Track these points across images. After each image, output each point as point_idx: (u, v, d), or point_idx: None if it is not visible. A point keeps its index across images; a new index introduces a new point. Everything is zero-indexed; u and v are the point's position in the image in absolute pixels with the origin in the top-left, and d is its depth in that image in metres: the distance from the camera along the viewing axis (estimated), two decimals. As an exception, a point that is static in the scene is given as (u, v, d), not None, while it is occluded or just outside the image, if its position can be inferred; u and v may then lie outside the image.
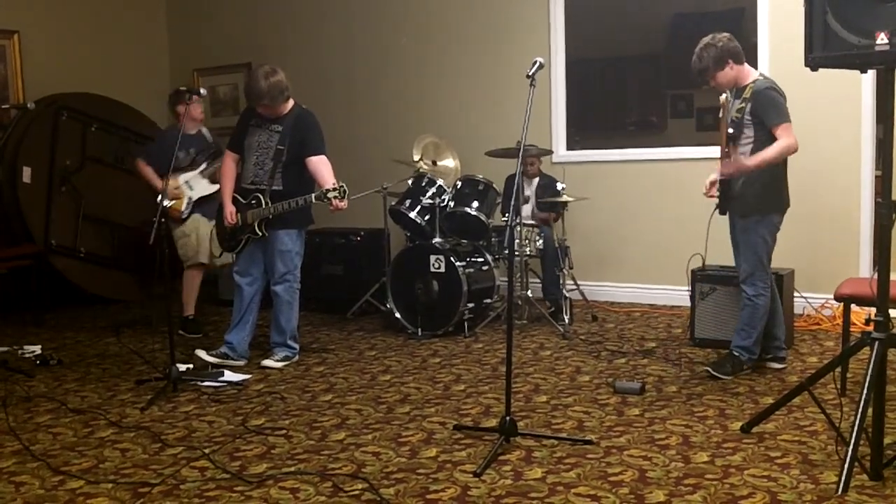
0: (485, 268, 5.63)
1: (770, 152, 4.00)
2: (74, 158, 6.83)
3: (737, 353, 4.22)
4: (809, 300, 5.46)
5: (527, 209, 6.04)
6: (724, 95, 4.19)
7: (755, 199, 4.12)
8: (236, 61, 7.93)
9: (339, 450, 3.35)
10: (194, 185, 5.64)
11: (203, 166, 5.66)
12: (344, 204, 4.43)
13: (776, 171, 4.11)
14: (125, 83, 7.64)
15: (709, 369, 4.22)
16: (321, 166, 4.62)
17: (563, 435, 3.44)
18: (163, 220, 4.24)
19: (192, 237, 5.61)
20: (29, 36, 7.14)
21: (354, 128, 7.35)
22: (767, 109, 4.03)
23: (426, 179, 5.66)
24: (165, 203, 5.03)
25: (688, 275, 4.98)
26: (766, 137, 4.06)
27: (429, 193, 5.60)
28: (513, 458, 3.19)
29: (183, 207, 5.59)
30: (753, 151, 4.07)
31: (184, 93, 5.48)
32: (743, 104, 4.12)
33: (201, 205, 5.62)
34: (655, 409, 3.76)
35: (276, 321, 4.81)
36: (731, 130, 4.18)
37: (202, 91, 4.79)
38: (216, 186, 5.42)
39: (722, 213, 4.28)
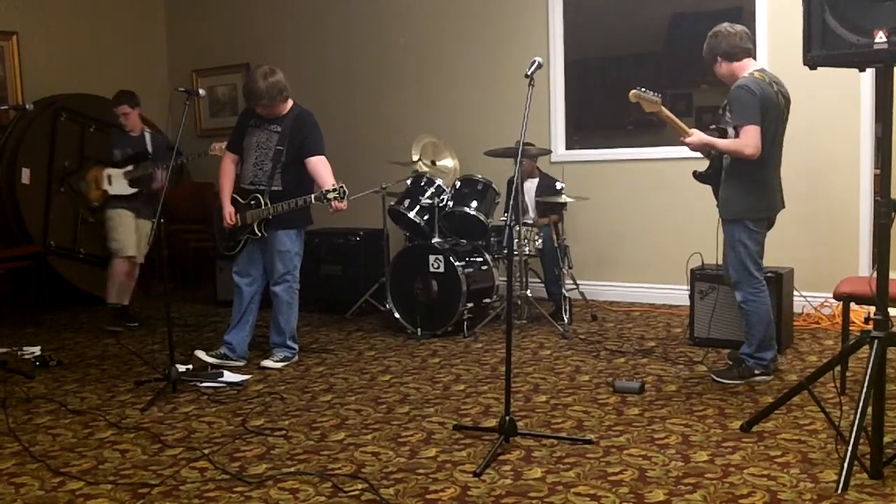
0: (484, 267, 5.63)
1: (723, 142, 3.98)
2: (73, 159, 6.83)
3: (744, 359, 4.17)
4: (809, 299, 5.46)
5: (529, 209, 6.02)
6: (633, 91, 4.17)
7: (729, 204, 4.07)
8: (235, 62, 7.94)
9: (338, 450, 3.35)
10: (114, 181, 5.82)
11: (129, 168, 5.82)
12: (343, 205, 4.43)
13: (752, 178, 4.01)
14: (124, 84, 7.59)
15: (713, 376, 4.19)
16: (320, 167, 4.62)
17: (563, 434, 3.44)
18: (162, 220, 4.23)
19: (117, 230, 5.81)
20: (27, 37, 7.14)
21: (353, 128, 7.36)
22: (734, 108, 3.96)
23: (425, 179, 5.66)
24: (82, 186, 5.83)
25: (687, 274, 4.98)
26: None
27: (428, 193, 5.59)
28: (512, 457, 3.19)
29: (96, 199, 5.85)
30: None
31: (114, 99, 5.93)
32: (726, 102, 4.10)
33: (123, 201, 5.82)
34: (655, 409, 3.76)
35: (276, 322, 4.80)
36: (712, 127, 4.18)
37: (201, 91, 4.79)
38: (132, 190, 5.79)
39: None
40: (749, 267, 4.07)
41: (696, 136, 4.08)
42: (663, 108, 4.16)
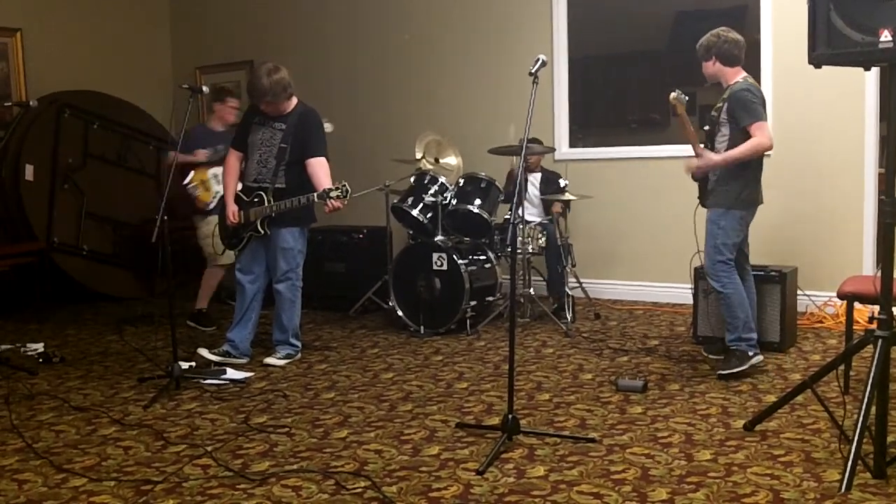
0: (487, 265, 5.63)
1: (739, 150, 4.12)
2: (77, 156, 6.84)
3: (734, 348, 4.25)
4: (812, 298, 5.45)
5: (530, 208, 6.02)
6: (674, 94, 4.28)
7: (722, 195, 4.22)
8: (238, 59, 7.94)
9: (341, 448, 3.35)
10: (222, 180, 5.66)
11: None
12: (339, 204, 4.42)
13: (749, 171, 4.19)
14: (127, 81, 7.65)
15: (719, 372, 4.20)
16: (318, 169, 4.61)
17: (566, 433, 3.44)
18: (165, 217, 4.23)
19: (214, 238, 5.63)
20: (31, 34, 7.15)
21: (357, 126, 7.35)
22: (739, 110, 4.13)
23: (428, 177, 5.65)
24: (194, 193, 5.57)
25: (690, 272, 4.98)
26: (740, 137, 4.15)
27: (431, 191, 5.59)
28: (515, 456, 3.19)
29: (210, 199, 5.70)
30: (727, 149, 4.17)
31: (223, 93, 5.80)
32: (721, 104, 4.25)
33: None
34: (658, 407, 3.76)
35: (279, 319, 4.80)
36: (706, 128, 4.35)
37: (204, 88, 4.78)
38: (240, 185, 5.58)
39: (703, 205, 4.40)
40: (726, 253, 4.24)
41: (706, 159, 4.20)
42: (685, 113, 4.27)
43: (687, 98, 4.33)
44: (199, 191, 5.71)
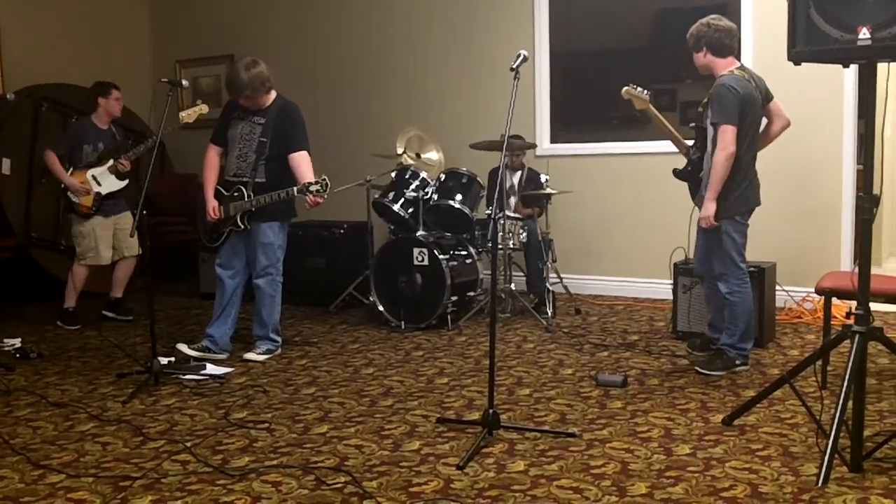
0: (468, 261, 5.63)
1: (715, 172, 4.01)
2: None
3: (725, 350, 4.22)
4: (791, 293, 5.50)
5: (511, 202, 6.03)
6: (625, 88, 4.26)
7: (721, 204, 4.09)
8: (219, 53, 7.90)
9: (321, 443, 3.34)
10: (102, 180, 5.63)
11: (110, 162, 5.63)
12: (319, 198, 4.40)
13: (739, 174, 4.07)
14: (106, 74, 7.51)
15: (698, 368, 4.22)
16: (301, 163, 4.59)
17: (546, 428, 3.45)
18: (144, 212, 4.20)
19: (89, 238, 5.62)
20: (9, 26, 7.06)
21: (338, 120, 7.33)
22: (714, 106, 4.03)
23: (410, 172, 5.64)
24: (74, 199, 5.45)
25: (670, 268, 5.00)
26: None
27: (412, 186, 5.58)
28: (496, 450, 3.19)
29: (91, 203, 5.58)
30: (714, 145, 4.07)
31: (108, 86, 5.71)
32: (707, 99, 4.16)
33: (106, 202, 5.62)
34: (638, 402, 3.78)
35: (259, 314, 4.78)
36: (692, 124, 4.29)
37: (184, 83, 4.76)
38: (123, 182, 5.64)
39: (698, 206, 4.34)
40: (735, 259, 4.16)
41: (707, 209, 4.09)
42: (651, 106, 4.21)
43: (647, 92, 4.26)
44: (81, 195, 5.56)
